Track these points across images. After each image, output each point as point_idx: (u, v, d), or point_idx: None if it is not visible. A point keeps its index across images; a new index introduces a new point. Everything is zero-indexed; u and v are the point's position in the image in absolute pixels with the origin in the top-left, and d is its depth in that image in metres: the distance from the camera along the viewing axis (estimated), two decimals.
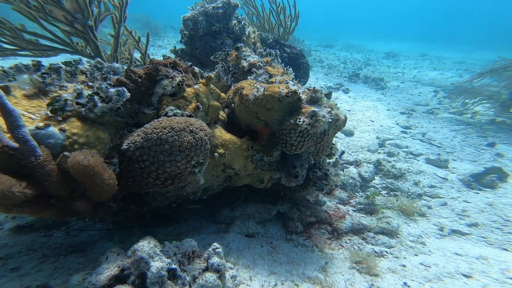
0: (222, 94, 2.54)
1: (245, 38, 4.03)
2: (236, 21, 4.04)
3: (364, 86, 8.85)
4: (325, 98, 2.39)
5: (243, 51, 3.16)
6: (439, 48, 20.55)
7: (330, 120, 2.25)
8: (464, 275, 1.94)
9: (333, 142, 2.85)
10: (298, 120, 2.17)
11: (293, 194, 2.82)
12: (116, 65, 2.18)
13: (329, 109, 2.29)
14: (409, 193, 3.50)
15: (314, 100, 2.34)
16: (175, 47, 4.04)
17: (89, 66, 2.21)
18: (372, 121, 5.86)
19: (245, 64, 3.00)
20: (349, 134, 5.17)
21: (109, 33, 3.59)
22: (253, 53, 3.29)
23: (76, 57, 3.26)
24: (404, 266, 2.10)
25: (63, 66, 2.04)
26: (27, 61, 2.18)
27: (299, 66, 4.90)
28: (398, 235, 2.59)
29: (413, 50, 18.82)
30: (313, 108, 2.23)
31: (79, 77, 2.10)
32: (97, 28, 3.50)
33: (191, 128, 1.80)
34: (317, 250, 2.32)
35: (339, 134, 5.12)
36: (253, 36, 4.33)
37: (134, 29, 3.88)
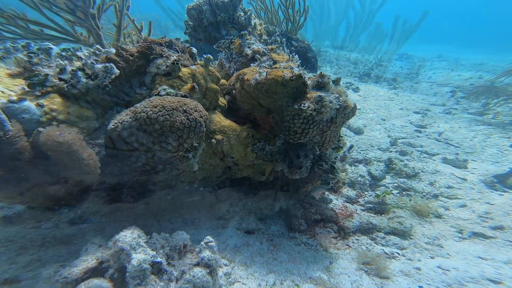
0: (223, 80, 2.39)
1: (250, 29, 3.89)
2: (242, 12, 3.91)
3: (376, 86, 8.56)
4: (333, 84, 2.21)
5: (247, 39, 3.01)
6: (456, 51, 19.85)
7: (338, 106, 2.06)
8: (492, 281, 1.70)
9: (341, 135, 2.65)
10: (302, 105, 1.99)
11: (297, 189, 2.63)
12: (114, 50, 2.07)
13: (337, 95, 2.11)
14: (424, 193, 3.25)
15: (321, 85, 2.16)
16: (179, 38, 3.94)
17: (88, 52, 2.10)
18: (384, 120, 5.60)
19: (248, 52, 2.85)
20: (359, 132, 4.93)
21: (112, 23, 3.51)
22: (258, 42, 3.14)
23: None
24: (418, 269, 1.88)
25: (54, 47, 1.93)
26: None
27: (307, 61, 4.72)
28: (412, 236, 2.36)
29: (428, 52, 18.27)
30: (319, 93, 2.05)
31: (75, 63, 1.99)
32: (100, 18, 3.43)
33: (184, 108, 1.65)
34: (321, 249, 2.12)
35: (348, 132, 4.89)
36: (259, 28, 4.19)
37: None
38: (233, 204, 2.64)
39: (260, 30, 4.08)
